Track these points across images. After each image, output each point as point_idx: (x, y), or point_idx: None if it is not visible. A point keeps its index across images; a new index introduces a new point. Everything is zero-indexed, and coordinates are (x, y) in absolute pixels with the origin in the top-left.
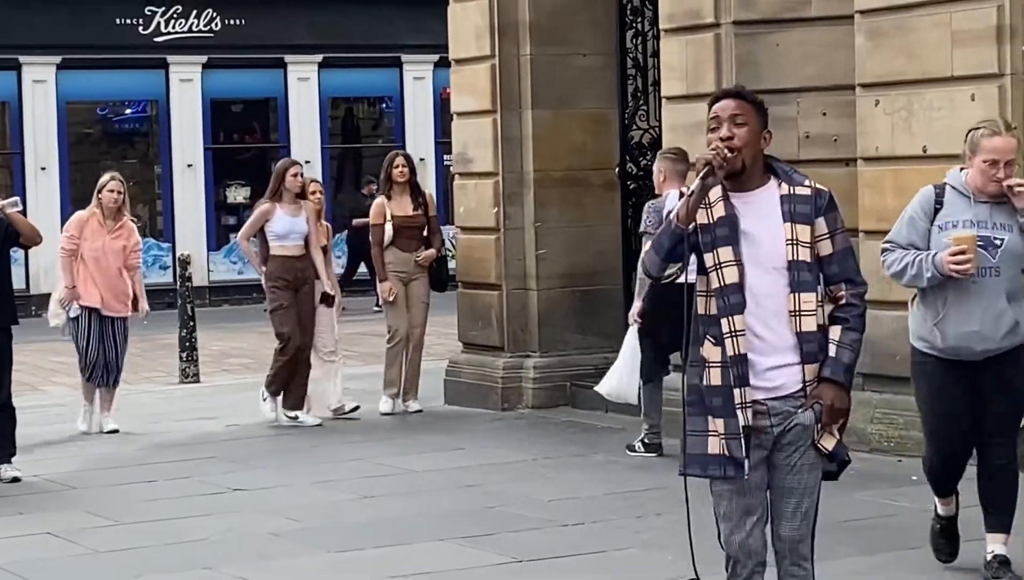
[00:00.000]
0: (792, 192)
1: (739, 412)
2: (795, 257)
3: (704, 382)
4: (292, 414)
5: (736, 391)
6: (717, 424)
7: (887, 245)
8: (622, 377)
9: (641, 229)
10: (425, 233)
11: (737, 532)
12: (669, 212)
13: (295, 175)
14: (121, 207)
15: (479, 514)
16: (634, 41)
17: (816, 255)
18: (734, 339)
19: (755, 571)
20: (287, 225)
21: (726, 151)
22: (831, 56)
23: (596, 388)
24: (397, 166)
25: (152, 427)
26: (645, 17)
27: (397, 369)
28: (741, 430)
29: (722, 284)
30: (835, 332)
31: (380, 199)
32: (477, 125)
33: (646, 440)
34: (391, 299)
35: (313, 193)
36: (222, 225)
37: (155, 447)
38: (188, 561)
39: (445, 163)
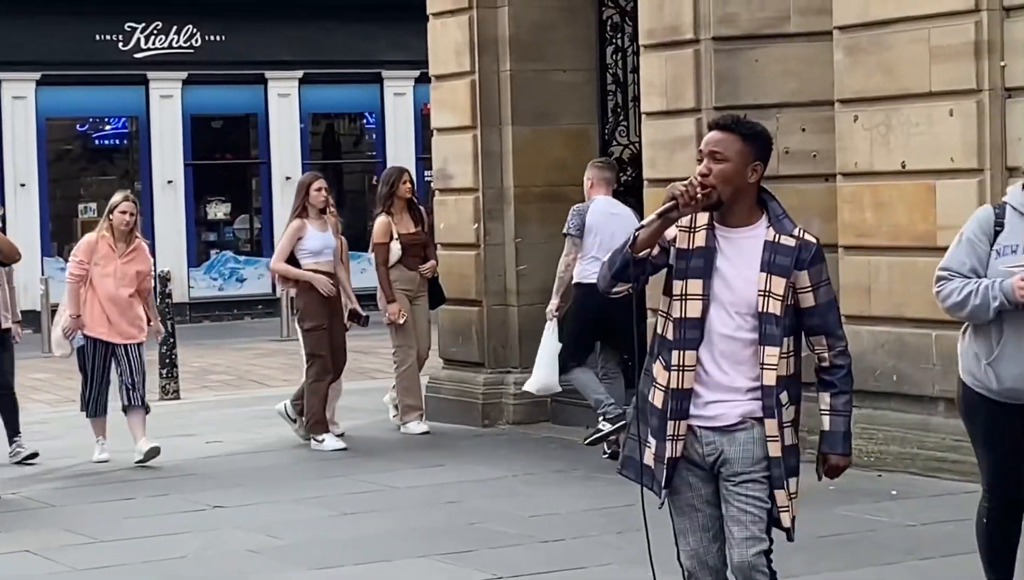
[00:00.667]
0: (777, 240)
1: (668, 443)
2: (765, 309)
3: (649, 398)
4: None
5: (670, 423)
6: (651, 442)
7: (943, 273)
8: (544, 372)
9: (563, 230)
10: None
11: (690, 546)
12: (640, 227)
13: (319, 189)
14: (133, 229)
15: (460, 530)
16: (614, 57)
17: (793, 307)
18: (680, 373)
19: None
20: (320, 241)
21: (696, 190)
22: (810, 72)
23: (524, 387)
24: (406, 182)
25: (131, 444)
26: (625, 33)
27: (417, 389)
28: (666, 460)
29: (683, 316)
30: (825, 400)
31: (384, 217)
32: (457, 141)
33: (606, 417)
34: (402, 321)
35: (329, 207)
36: (202, 241)
37: (134, 464)
38: (167, 578)
39: (426, 179)
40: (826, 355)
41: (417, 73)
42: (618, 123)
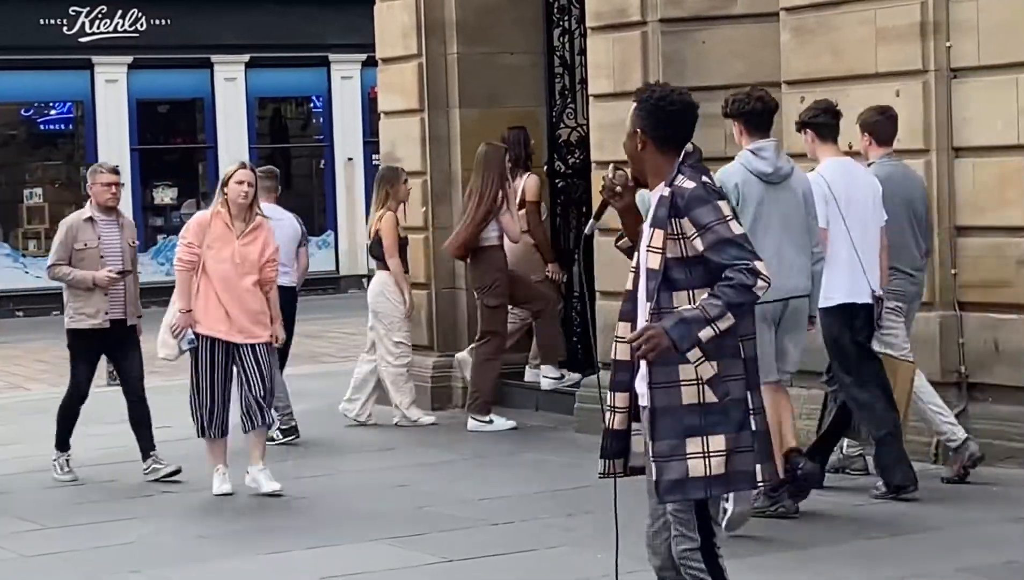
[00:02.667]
0: (661, 194)
1: (607, 414)
2: (646, 264)
3: None
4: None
5: (608, 394)
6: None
7: None
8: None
9: None
10: None
11: (647, 529)
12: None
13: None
14: (253, 203)
15: (410, 514)
16: (561, 39)
17: (694, 258)
18: (615, 345)
19: (662, 575)
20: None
21: (611, 180)
22: (757, 53)
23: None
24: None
25: (80, 430)
26: (572, 15)
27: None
28: (602, 431)
29: (625, 288)
30: (698, 297)
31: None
32: (405, 124)
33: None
34: (565, 277)
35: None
36: (149, 226)
37: (83, 450)
38: (116, 564)
39: (373, 162)
40: (726, 273)
41: (364, 56)
42: (566, 105)
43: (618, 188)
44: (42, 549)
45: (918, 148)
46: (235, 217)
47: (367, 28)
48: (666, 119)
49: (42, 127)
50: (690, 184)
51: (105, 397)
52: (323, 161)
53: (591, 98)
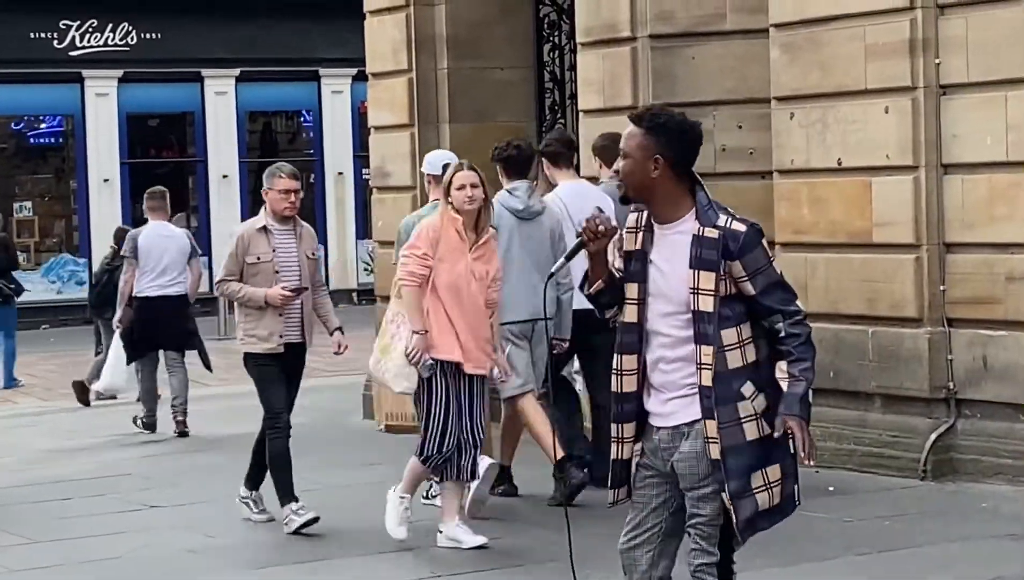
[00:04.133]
0: (701, 234)
1: (614, 445)
2: (696, 307)
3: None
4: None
5: (614, 426)
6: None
7: None
8: (112, 374)
9: (122, 253)
10: None
11: (623, 541)
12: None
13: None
14: (482, 211)
15: None
16: (551, 55)
17: (735, 296)
18: (620, 378)
19: None
20: None
21: (595, 223)
22: (747, 69)
23: (93, 387)
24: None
25: (68, 444)
26: (562, 31)
27: None
28: (610, 462)
29: (623, 320)
30: (782, 367)
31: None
32: (395, 139)
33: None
34: None
35: None
36: None
37: (71, 464)
38: (103, 579)
39: (363, 177)
40: (780, 325)
41: (355, 71)
42: (555, 121)
43: (600, 229)
44: (29, 563)
45: (907, 164)
46: (466, 226)
47: (357, 43)
48: (689, 144)
49: (32, 140)
50: (740, 226)
51: (92, 411)
52: (313, 175)
53: (581, 114)
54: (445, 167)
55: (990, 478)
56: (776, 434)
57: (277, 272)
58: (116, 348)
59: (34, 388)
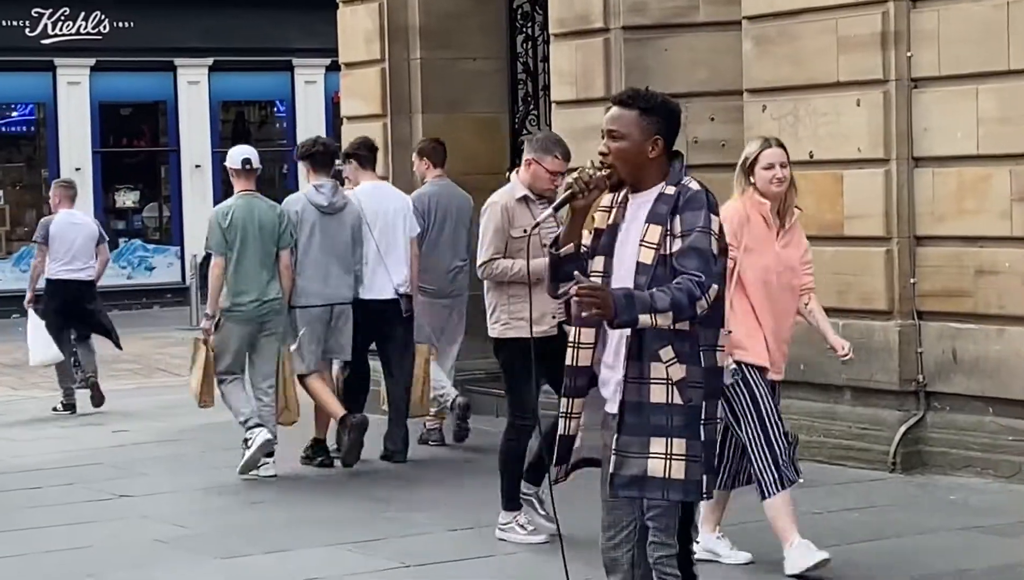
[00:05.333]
0: (663, 192)
1: (561, 420)
2: (638, 257)
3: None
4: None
5: (563, 400)
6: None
7: None
8: (39, 348)
9: (32, 239)
10: None
11: (603, 542)
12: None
13: None
14: (788, 194)
15: (368, 519)
16: (524, 45)
17: (670, 253)
18: (575, 350)
19: None
20: None
21: (588, 175)
22: (719, 61)
23: (31, 363)
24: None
25: (38, 433)
26: (535, 22)
27: None
28: (557, 438)
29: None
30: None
31: None
32: (368, 129)
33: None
34: None
35: None
36: (111, 229)
37: (40, 453)
38: (71, 569)
39: (337, 167)
40: (680, 280)
41: (328, 61)
42: (528, 112)
43: (593, 185)
44: None
45: (879, 157)
46: (772, 212)
47: (331, 33)
48: (677, 124)
49: (3, 129)
50: (696, 186)
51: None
52: (286, 165)
53: (554, 105)
54: (245, 161)
55: (959, 471)
56: (571, 288)
57: (544, 245)
58: (33, 325)
59: (4, 377)
